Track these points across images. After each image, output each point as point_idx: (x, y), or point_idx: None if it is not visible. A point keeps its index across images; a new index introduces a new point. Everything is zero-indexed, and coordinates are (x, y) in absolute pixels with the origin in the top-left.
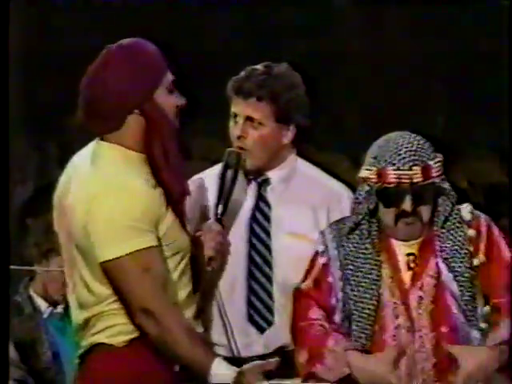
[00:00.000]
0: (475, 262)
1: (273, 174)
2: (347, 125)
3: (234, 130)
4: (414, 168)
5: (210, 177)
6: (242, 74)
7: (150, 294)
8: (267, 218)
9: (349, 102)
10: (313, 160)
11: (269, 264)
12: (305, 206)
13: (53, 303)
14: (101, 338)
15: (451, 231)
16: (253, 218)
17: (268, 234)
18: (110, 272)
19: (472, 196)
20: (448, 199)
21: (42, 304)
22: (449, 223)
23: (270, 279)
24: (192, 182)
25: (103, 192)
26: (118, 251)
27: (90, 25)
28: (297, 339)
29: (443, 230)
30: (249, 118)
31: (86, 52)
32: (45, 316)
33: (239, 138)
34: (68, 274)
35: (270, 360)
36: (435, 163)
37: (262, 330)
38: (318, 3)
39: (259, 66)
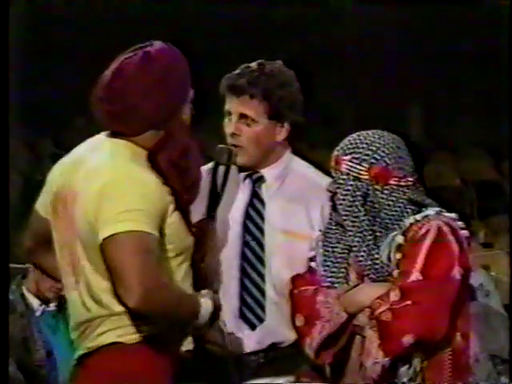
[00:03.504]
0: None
1: (267, 172)
2: (341, 123)
3: (228, 127)
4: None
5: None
6: (235, 71)
7: (147, 273)
8: (261, 216)
9: (342, 100)
10: (306, 158)
11: (262, 261)
12: (298, 204)
13: (45, 301)
14: (111, 338)
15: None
16: (246, 215)
17: (261, 231)
18: (107, 249)
19: (465, 193)
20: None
21: (34, 302)
22: None
23: (262, 276)
24: None
25: (114, 181)
26: (120, 227)
27: (90, 23)
28: (292, 306)
29: None
30: (242, 116)
31: (84, 50)
32: (37, 314)
33: (233, 135)
34: (67, 271)
35: None
36: (349, 160)
37: (253, 327)
38: (314, 2)
39: (252, 64)
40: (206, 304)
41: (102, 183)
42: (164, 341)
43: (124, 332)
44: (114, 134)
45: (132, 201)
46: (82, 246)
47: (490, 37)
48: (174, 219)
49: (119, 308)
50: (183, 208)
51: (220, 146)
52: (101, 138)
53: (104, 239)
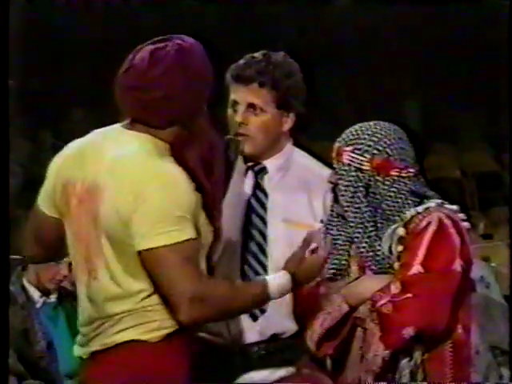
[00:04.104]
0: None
1: (269, 163)
2: (341, 114)
3: (235, 116)
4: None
5: None
6: (241, 61)
7: (192, 282)
8: (264, 207)
9: (343, 91)
10: (308, 149)
11: (264, 252)
12: (301, 195)
13: (46, 293)
14: (131, 335)
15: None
16: (249, 207)
17: (264, 222)
18: (149, 261)
19: (465, 185)
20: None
21: (34, 294)
22: None
23: (265, 267)
24: None
25: (149, 181)
26: (161, 241)
27: (90, 16)
28: (293, 298)
29: None
30: (250, 105)
31: (84, 43)
32: (38, 305)
33: (240, 124)
34: (82, 266)
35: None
36: (351, 151)
37: (255, 318)
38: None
39: (257, 54)
40: (272, 278)
41: (136, 181)
42: (187, 338)
43: (146, 329)
44: (133, 126)
45: (169, 206)
46: (108, 242)
47: (491, 34)
48: (200, 217)
49: (142, 304)
50: (208, 204)
51: (228, 136)
52: (118, 129)
53: (144, 250)
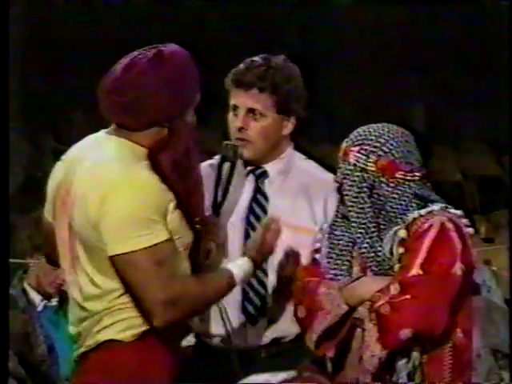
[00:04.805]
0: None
1: (270, 167)
2: (342, 118)
3: (235, 121)
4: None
5: (204, 168)
6: (241, 66)
7: (165, 285)
8: (264, 211)
9: (344, 94)
10: (309, 153)
11: None
12: (301, 198)
13: (47, 296)
14: (108, 335)
15: None
16: (250, 210)
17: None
18: (121, 266)
19: (466, 188)
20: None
21: (36, 297)
22: None
23: (264, 271)
24: None
25: (116, 186)
26: (132, 245)
27: (90, 19)
28: (295, 297)
29: None
30: (250, 110)
31: (84, 46)
32: (39, 309)
33: (240, 129)
34: (68, 268)
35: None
36: (357, 151)
37: (255, 321)
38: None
39: (257, 58)
40: (236, 266)
41: (104, 187)
42: (163, 336)
43: (121, 328)
44: (115, 131)
45: (137, 210)
46: (82, 246)
47: (490, 36)
48: (174, 217)
49: (116, 302)
50: (185, 207)
51: (226, 142)
52: (100, 135)
53: (115, 255)
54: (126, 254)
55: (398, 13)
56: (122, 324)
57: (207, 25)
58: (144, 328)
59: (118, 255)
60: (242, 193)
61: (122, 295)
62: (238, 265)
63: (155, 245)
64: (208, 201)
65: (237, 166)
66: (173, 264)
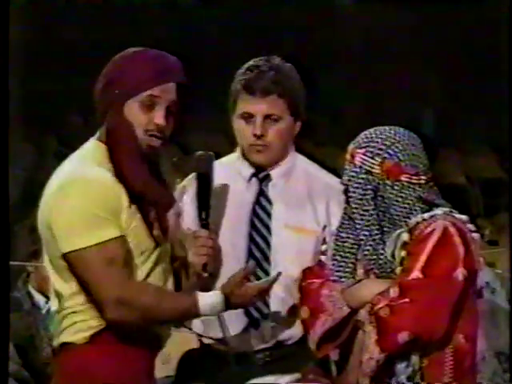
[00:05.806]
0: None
1: (273, 170)
2: (346, 120)
3: (252, 129)
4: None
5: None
6: (248, 72)
7: (117, 284)
8: (268, 214)
9: (348, 97)
10: (313, 155)
11: (267, 259)
12: (304, 201)
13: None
14: (64, 337)
15: None
16: (253, 214)
17: (268, 229)
18: (73, 263)
19: (470, 191)
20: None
21: (40, 300)
22: None
23: (268, 274)
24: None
25: (65, 184)
26: (82, 242)
27: (91, 20)
28: (299, 298)
29: None
30: (267, 116)
31: (86, 47)
32: (43, 311)
33: (260, 137)
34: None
35: (249, 265)
36: (363, 153)
37: (257, 324)
38: (319, 1)
39: (261, 63)
40: (205, 296)
41: (55, 185)
42: (115, 339)
43: (74, 330)
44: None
45: (87, 208)
46: (44, 246)
47: (490, 36)
48: (132, 218)
49: (68, 304)
50: (143, 209)
51: (199, 153)
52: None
53: (67, 252)
54: (76, 250)
55: (406, 14)
56: (75, 326)
57: (207, 25)
58: (94, 331)
59: (69, 252)
60: (243, 196)
61: (75, 297)
62: (207, 294)
63: (106, 241)
64: (193, 217)
65: (212, 177)
66: (126, 262)
